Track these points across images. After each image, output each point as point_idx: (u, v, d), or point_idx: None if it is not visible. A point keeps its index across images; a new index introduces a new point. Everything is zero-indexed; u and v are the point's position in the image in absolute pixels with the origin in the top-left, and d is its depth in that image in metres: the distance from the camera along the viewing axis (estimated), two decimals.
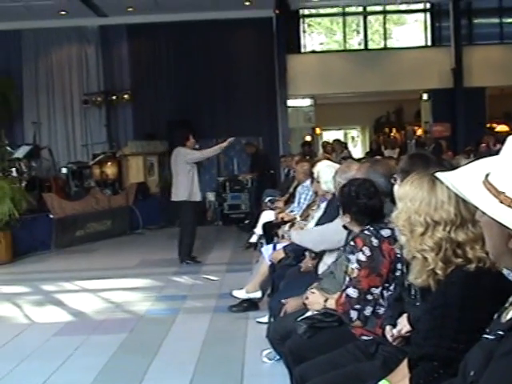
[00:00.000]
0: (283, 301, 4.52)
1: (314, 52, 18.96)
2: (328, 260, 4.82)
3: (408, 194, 2.58)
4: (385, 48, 18.52)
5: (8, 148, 13.85)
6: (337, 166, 5.82)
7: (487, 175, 1.51)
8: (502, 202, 1.46)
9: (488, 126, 17.89)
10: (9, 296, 8.32)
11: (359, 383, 2.91)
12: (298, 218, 7.22)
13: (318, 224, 5.65)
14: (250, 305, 6.87)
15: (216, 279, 8.82)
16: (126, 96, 17.29)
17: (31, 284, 8.99)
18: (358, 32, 19.28)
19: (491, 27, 18.56)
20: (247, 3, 16.33)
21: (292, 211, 8.07)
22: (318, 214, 6.05)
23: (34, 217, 11.66)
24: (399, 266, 3.41)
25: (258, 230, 9.39)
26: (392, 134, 21.71)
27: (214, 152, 10.26)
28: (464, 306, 2.36)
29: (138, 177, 15.57)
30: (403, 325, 2.89)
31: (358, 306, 3.49)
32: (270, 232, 8.29)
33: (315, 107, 18.50)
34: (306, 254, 5.49)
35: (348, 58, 17.96)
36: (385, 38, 18.70)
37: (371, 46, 18.80)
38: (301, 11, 18.29)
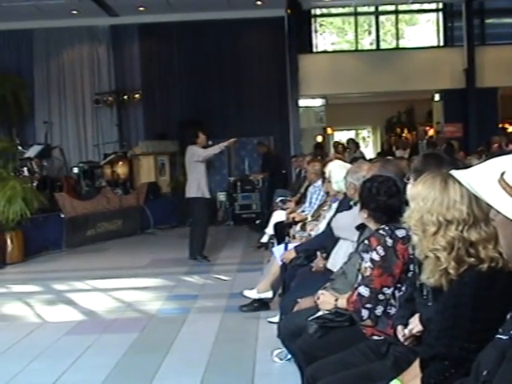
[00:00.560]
0: (299, 300, 4.51)
1: (325, 52, 18.99)
2: (336, 255, 4.83)
3: (420, 194, 2.57)
4: (397, 48, 18.46)
5: (19, 147, 13.93)
6: (348, 166, 5.81)
7: (503, 174, 1.50)
8: None
9: (500, 126, 17.80)
10: (20, 295, 8.34)
11: (370, 383, 2.91)
12: (310, 218, 7.21)
13: (329, 224, 5.64)
14: (261, 305, 6.86)
15: (227, 279, 8.81)
16: (137, 96, 17.33)
17: (42, 283, 9.01)
18: (370, 32, 19.26)
19: (504, 27, 18.52)
20: (259, 3, 16.34)
21: (303, 211, 8.05)
22: (329, 213, 6.05)
23: (46, 216, 11.70)
24: (412, 266, 3.38)
25: (269, 230, 9.40)
26: (403, 135, 21.63)
27: (213, 151, 10.25)
28: (476, 306, 2.35)
29: (149, 176, 15.61)
30: (415, 324, 2.88)
31: (369, 305, 3.47)
32: (282, 232, 8.30)
33: (326, 107, 18.44)
34: (318, 253, 5.48)
35: (360, 58, 17.92)
36: (397, 38, 18.65)
37: (383, 46, 18.74)
38: (312, 11, 18.29)
